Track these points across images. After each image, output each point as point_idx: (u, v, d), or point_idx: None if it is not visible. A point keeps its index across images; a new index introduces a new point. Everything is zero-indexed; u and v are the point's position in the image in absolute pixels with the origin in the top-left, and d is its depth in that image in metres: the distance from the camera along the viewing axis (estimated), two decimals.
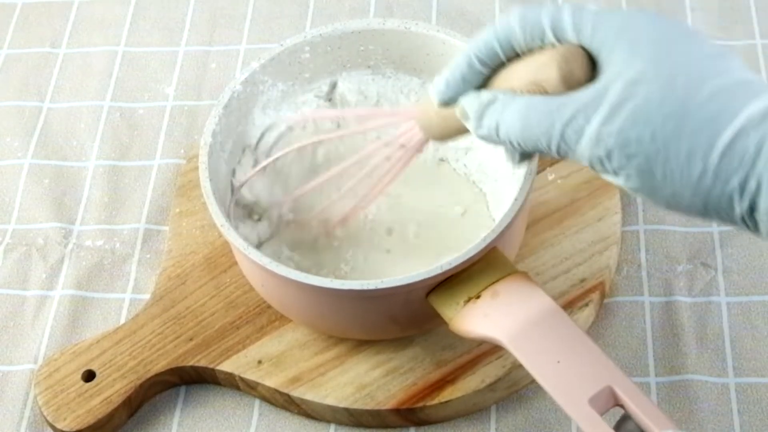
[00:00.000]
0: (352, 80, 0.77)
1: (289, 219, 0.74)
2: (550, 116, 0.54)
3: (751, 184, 0.50)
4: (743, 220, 0.51)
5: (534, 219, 0.77)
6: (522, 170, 0.68)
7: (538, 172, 0.72)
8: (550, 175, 0.79)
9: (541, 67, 0.56)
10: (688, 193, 0.52)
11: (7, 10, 0.96)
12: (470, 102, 0.59)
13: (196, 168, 0.70)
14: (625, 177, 0.53)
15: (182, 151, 0.85)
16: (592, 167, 0.54)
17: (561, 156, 0.55)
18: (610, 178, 0.54)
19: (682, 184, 0.52)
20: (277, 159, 0.73)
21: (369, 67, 0.76)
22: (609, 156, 0.53)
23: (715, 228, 0.78)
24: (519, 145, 0.56)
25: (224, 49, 0.92)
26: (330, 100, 0.77)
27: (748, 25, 0.89)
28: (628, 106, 0.52)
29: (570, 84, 0.55)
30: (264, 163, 0.73)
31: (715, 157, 0.50)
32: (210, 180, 0.69)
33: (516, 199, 0.67)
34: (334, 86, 0.77)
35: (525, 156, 0.60)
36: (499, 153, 0.74)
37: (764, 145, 0.50)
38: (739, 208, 0.51)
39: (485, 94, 0.58)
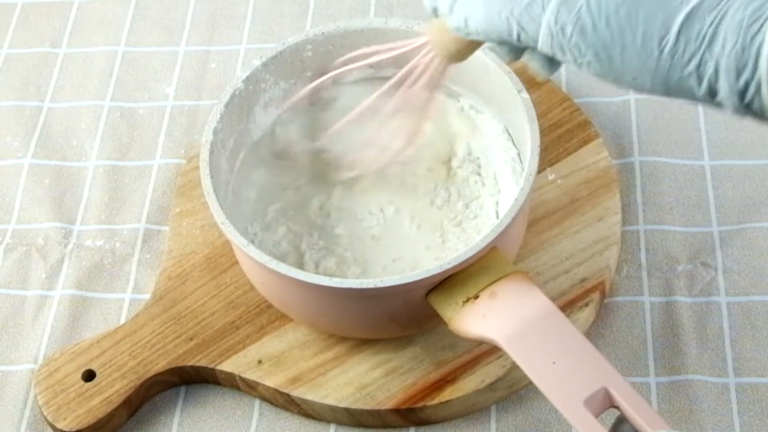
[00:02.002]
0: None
1: (324, 158, 0.75)
2: (510, 4, 0.55)
3: (709, 68, 0.50)
4: (707, 101, 0.51)
5: (534, 219, 0.77)
6: (523, 171, 0.68)
7: (538, 172, 0.72)
8: (550, 175, 0.79)
9: None
10: (648, 78, 0.52)
11: (7, 10, 0.96)
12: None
13: (197, 168, 0.71)
14: (587, 64, 0.54)
15: (182, 151, 0.85)
16: (555, 56, 0.55)
17: (524, 45, 0.56)
18: (573, 66, 0.55)
19: (641, 68, 0.52)
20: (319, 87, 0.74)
21: (371, 66, 0.76)
22: (568, 43, 0.53)
23: (715, 228, 0.78)
24: (486, 36, 0.57)
25: (224, 49, 0.91)
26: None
27: None
28: None
29: None
30: (316, 82, 0.74)
31: (671, 41, 0.51)
32: (211, 177, 0.69)
33: (516, 200, 0.67)
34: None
35: (512, 52, 0.60)
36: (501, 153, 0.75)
37: (720, 26, 0.50)
38: (699, 92, 0.51)
39: None
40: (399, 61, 0.71)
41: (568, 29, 0.53)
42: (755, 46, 0.49)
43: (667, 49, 0.51)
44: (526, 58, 0.59)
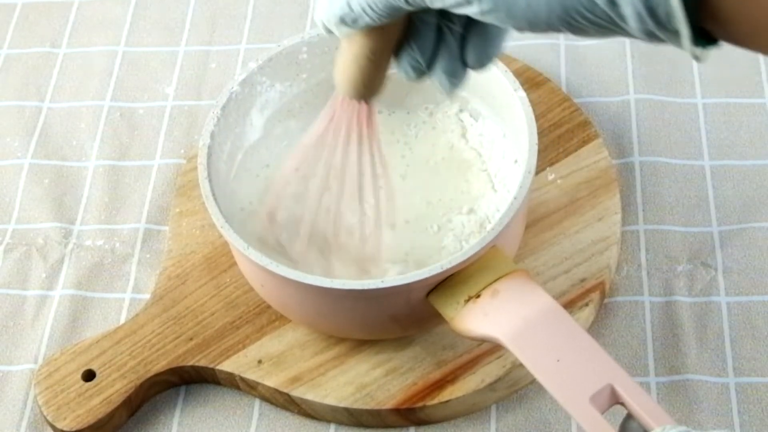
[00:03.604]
0: None
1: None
2: None
3: None
4: (609, 19, 0.48)
5: (534, 219, 0.77)
6: (522, 169, 0.68)
7: (538, 172, 0.72)
8: (550, 175, 0.79)
9: None
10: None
11: (7, 10, 0.96)
12: None
13: (196, 168, 0.70)
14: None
15: (182, 150, 0.85)
16: None
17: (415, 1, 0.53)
18: (462, 10, 0.52)
19: None
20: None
21: None
22: None
23: (715, 228, 0.78)
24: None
25: (224, 49, 0.92)
26: None
27: None
28: None
29: None
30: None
31: None
32: (209, 181, 0.69)
33: (516, 198, 0.67)
34: None
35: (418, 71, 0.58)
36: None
37: None
38: (599, 3, 0.47)
39: None
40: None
41: None
42: None
43: None
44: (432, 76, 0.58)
